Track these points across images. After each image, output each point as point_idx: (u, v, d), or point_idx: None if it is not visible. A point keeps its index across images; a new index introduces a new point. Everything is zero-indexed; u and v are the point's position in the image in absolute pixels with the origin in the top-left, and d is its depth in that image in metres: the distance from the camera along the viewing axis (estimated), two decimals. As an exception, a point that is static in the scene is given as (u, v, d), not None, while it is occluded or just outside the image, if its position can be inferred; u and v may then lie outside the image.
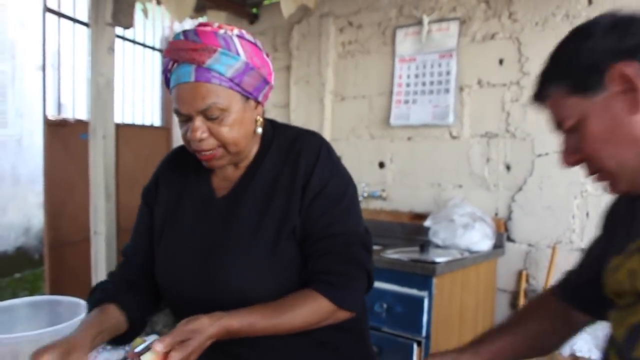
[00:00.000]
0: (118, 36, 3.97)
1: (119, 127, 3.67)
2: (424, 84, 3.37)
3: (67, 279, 3.91)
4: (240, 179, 1.34)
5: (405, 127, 3.48)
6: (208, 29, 1.20)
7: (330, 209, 1.27)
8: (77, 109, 4.21)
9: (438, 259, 2.57)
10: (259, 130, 1.31)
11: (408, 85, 3.44)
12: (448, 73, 3.28)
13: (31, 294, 5.60)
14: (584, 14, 2.83)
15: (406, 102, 3.44)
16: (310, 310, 1.20)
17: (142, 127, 4.87)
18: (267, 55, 1.30)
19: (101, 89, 3.18)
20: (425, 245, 2.82)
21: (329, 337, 1.32)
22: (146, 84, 4.89)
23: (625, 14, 0.95)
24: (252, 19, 4.35)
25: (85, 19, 3.98)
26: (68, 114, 4.23)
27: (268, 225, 1.27)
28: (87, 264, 3.59)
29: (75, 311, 1.58)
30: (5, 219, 6.26)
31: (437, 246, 2.91)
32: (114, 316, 1.28)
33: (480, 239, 2.87)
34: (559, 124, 1.01)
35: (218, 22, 4.03)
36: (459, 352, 1.20)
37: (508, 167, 3.11)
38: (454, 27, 3.28)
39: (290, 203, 1.27)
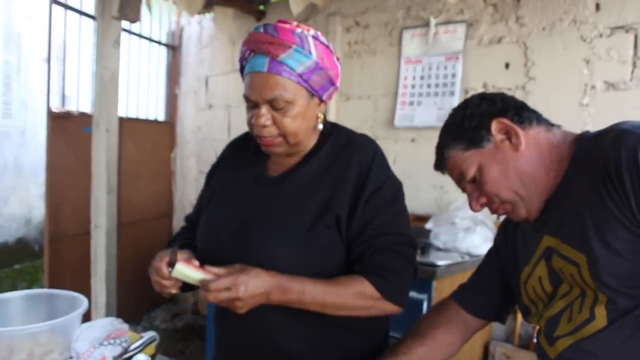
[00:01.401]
0: (124, 30, 3.97)
1: (123, 121, 3.66)
2: (429, 85, 3.37)
3: (66, 271, 3.91)
4: (294, 165, 1.42)
5: (410, 129, 3.48)
6: (287, 26, 1.29)
7: (386, 209, 1.33)
8: (81, 101, 4.20)
9: (438, 262, 2.57)
10: (320, 126, 1.40)
11: (413, 86, 3.43)
12: (454, 75, 3.27)
13: (30, 285, 5.61)
14: (591, 20, 2.82)
15: (411, 103, 3.44)
16: (357, 291, 1.27)
17: (146, 121, 4.87)
18: (338, 60, 1.38)
19: (106, 82, 3.17)
20: (426, 247, 2.82)
21: (353, 341, 1.40)
22: (151, 78, 4.88)
23: (488, 93, 1.28)
24: (259, 16, 4.36)
25: (91, 12, 3.98)
26: (72, 107, 4.22)
27: (309, 209, 1.33)
28: (87, 257, 3.58)
29: (72, 305, 1.58)
30: (7, 209, 6.26)
31: (438, 249, 2.90)
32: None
33: (481, 243, 2.86)
34: (460, 179, 1.24)
35: (224, 18, 4.04)
36: None
37: (511, 172, 3.10)
38: (460, 29, 3.27)
39: (335, 195, 1.33)
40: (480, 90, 3.18)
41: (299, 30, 1.29)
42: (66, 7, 3.84)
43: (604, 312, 1.09)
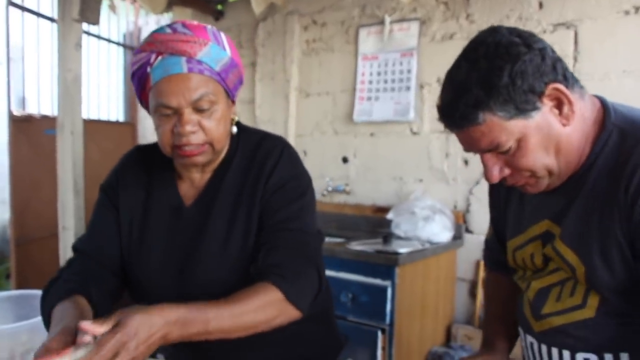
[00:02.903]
0: (83, 32, 3.97)
1: (85, 123, 3.67)
2: (385, 81, 3.48)
3: (33, 275, 3.90)
4: (207, 185, 1.32)
5: (368, 123, 3.59)
6: (195, 23, 1.21)
7: (288, 205, 1.27)
8: (41, 103, 4.18)
9: (400, 250, 2.69)
10: (234, 129, 1.32)
11: (370, 82, 3.55)
12: (409, 71, 3.40)
13: (-6, 291, 5.53)
14: (535, 17, 2.98)
15: (369, 99, 3.55)
16: (262, 302, 1.13)
17: (108, 122, 4.87)
18: None
19: (69, 84, 3.19)
20: (388, 237, 2.93)
21: (297, 329, 1.27)
22: (111, 79, 4.88)
23: (529, 35, 1.05)
24: (217, 15, 4.39)
25: (49, 14, 3.97)
26: (32, 109, 4.20)
27: (236, 236, 1.27)
28: (54, 260, 3.59)
29: None
30: (-34, 215, 6.15)
31: (400, 238, 3.02)
32: (86, 309, 1.16)
33: (440, 231, 3.00)
34: (487, 147, 1.05)
35: (183, 18, 4.08)
36: (487, 353, 1.41)
37: (466, 162, 3.25)
38: (414, 27, 3.40)
39: (252, 212, 1.27)
40: (435, 85, 3.32)
41: (209, 27, 1.22)
42: (23, 9, 3.83)
43: (595, 303, 1.08)
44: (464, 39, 3.23)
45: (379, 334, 2.65)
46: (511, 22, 3.06)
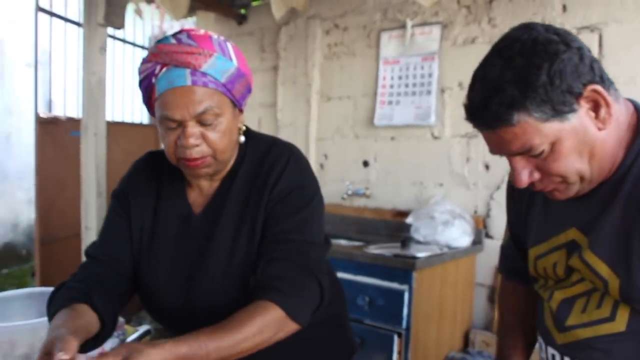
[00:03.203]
0: (108, 35, 4.04)
1: (109, 125, 3.74)
2: (406, 85, 3.48)
3: (56, 274, 3.96)
4: (215, 193, 1.32)
5: (389, 127, 3.58)
6: (202, 32, 1.19)
7: (290, 216, 1.25)
8: (67, 106, 4.27)
9: (418, 254, 2.68)
10: (242, 139, 1.30)
11: (392, 86, 3.54)
12: (430, 75, 3.39)
13: (18, 289, 5.63)
14: (559, 20, 2.95)
15: (390, 103, 3.55)
16: (263, 324, 1.11)
17: (131, 124, 4.94)
18: None
19: (93, 87, 3.25)
20: (406, 241, 2.93)
21: (310, 334, 1.25)
22: (135, 82, 4.94)
23: (565, 33, 0.99)
24: (240, 19, 4.43)
25: (76, 19, 4.05)
26: (58, 111, 4.28)
27: (241, 245, 1.26)
28: (77, 259, 3.65)
29: None
30: (-6, 215, 6.30)
31: (418, 242, 3.01)
32: (87, 316, 1.17)
33: (459, 236, 2.98)
34: (519, 150, 0.99)
35: (207, 22, 4.12)
36: None
37: (487, 167, 3.22)
38: (436, 31, 3.39)
39: (257, 220, 1.26)
40: (456, 89, 3.31)
41: (215, 36, 1.20)
42: (51, 14, 3.91)
43: (625, 316, 1.04)
44: (486, 43, 3.21)
45: (395, 338, 2.64)
46: (534, 26, 3.03)
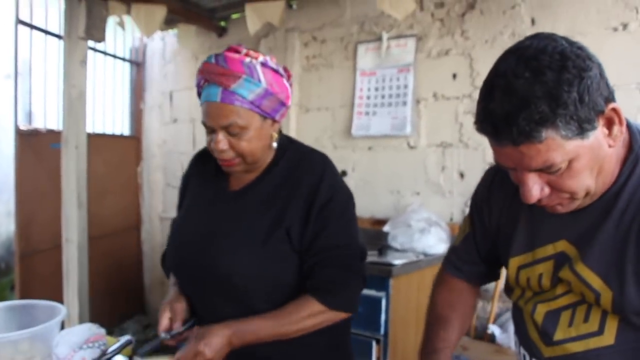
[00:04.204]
0: (89, 47, 4.06)
1: (90, 137, 3.74)
2: (383, 96, 3.55)
3: (37, 286, 3.96)
4: (251, 181, 1.51)
5: (366, 138, 3.66)
6: (236, 56, 1.37)
7: (334, 222, 1.42)
8: (47, 118, 4.27)
9: (395, 262, 2.74)
10: (274, 144, 1.49)
11: (368, 97, 3.62)
12: (406, 86, 3.46)
13: (-1, 302, 5.58)
14: (528, 33, 3.01)
15: (367, 113, 3.62)
16: (307, 314, 1.37)
17: (113, 136, 4.95)
18: (289, 78, 1.47)
19: (73, 100, 3.28)
20: (383, 248, 2.98)
21: (302, 341, 1.44)
22: (116, 94, 4.96)
23: (584, 50, 0.96)
24: (221, 32, 4.49)
25: (56, 31, 4.07)
26: (38, 123, 4.28)
27: (263, 224, 1.43)
28: (58, 272, 3.65)
29: (50, 314, 1.63)
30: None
31: (396, 250, 3.06)
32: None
33: (435, 243, 3.04)
34: (536, 167, 0.96)
35: (187, 35, 4.16)
36: None
37: (462, 175, 3.30)
38: (411, 43, 3.47)
39: (287, 210, 1.43)
40: (431, 99, 3.39)
41: (247, 60, 1.36)
42: (31, 26, 3.93)
43: (614, 330, 1.05)
44: (459, 55, 3.31)
45: (374, 344, 2.69)
46: (505, 38, 3.13)
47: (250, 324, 1.36)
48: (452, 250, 1.46)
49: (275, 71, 1.41)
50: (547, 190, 1.00)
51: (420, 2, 3.42)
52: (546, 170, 0.96)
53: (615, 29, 2.80)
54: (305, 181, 1.44)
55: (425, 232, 3.05)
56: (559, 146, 0.91)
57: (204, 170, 1.62)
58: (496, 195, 1.28)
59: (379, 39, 3.59)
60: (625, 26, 2.78)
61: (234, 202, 1.51)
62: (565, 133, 0.90)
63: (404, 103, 3.46)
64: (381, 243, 3.15)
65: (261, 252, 1.41)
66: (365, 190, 3.68)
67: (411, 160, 3.48)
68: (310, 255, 1.42)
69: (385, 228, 3.19)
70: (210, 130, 1.40)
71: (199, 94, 1.45)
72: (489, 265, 1.38)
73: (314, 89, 3.95)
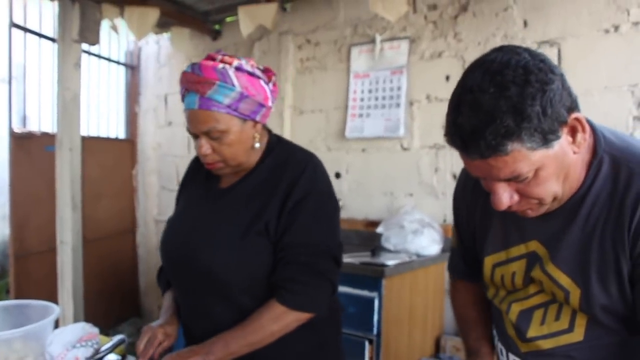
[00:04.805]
0: (83, 51, 4.07)
1: (85, 140, 3.75)
2: (376, 98, 3.57)
3: (31, 289, 3.96)
4: (238, 180, 1.55)
5: (360, 140, 3.67)
6: (210, 63, 1.40)
7: (304, 220, 1.44)
8: (42, 121, 4.27)
9: (387, 262, 2.75)
10: (257, 145, 1.51)
11: (362, 99, 3.63)
12: (399, 88, 3.48)
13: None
14: (520, 35, 3.07)
15: (360, 115, 3.64)
16: (269, 318, 1.41)
17: (108, 139, 4.95)
18: (270, 78, 1.50)
19: (68, 103, 3.29)
20: (376, 249, 2.99)
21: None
22: (111, 97, 4.97)
23: (543, 59, 0.99)
24: (215, 35, 4.50)
25: (50, 34, 4.08)
26: (33, 126, 4.29)
27: (244, 218, 1.47)
28: (52, 274, 3.66)
29: (44, 314, 1.64)
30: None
31: (389, 251, 3.07)
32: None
33: (428, 244, 3.05)
34: (505, 177, 1.00)
35: (181, 38, 4.17)
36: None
37: (455, 176, 3.31)
38: (404, 45, 3.49)
39: (267, 205, 1.46)
40: (424, 101, 3.41)
41: (220, 66, 1.40)
42: (25, 30, 3.94)
43: (583, 327, 1.12)
44: (452, 57, 3.33)
45: (367, 344, 2.70)
46: (497, 41, 3.15)
47: (218, 339, 1.40)
48: (452, 253, 1.52)
49: (251, 74, 1.43)
50: (516, 197, 1.04)
51: (413, 4, 3.44)
52: (514, 179, 1.00)
53: (607, 31, 2.83)
54: (286, 177, 1.48)
55: (419, 234, 3.06)
56: (525, 157, 0.96)
57: (199, 172, 1.67)
58: (470, 196, 1.33)
59: (372, 41, 3.61)
60: (616, 28, 2.81)
61: (220, 199, 1.55)
62: (530, 145, 0.94)
63: (397, 105, 3.48)
64: (374, 244, 3.16)
65: (239, 245, 1.44)
66: (359, 192, 3.70)
67: (404, 162, 3.50)
68: (278, 250, 1.45)
69: (379, 229, 3.20)
70: (195, 136, 1.45)
71: (183, 100, 1.49)
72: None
73: (308, 91, 3.96)
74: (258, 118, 1.47)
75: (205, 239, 1.49)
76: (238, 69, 1.42)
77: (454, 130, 0.99)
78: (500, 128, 0.92)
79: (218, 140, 1.42)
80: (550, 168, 1.00)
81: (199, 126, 1.41)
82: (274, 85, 1.52)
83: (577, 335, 1.12)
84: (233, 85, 1.39)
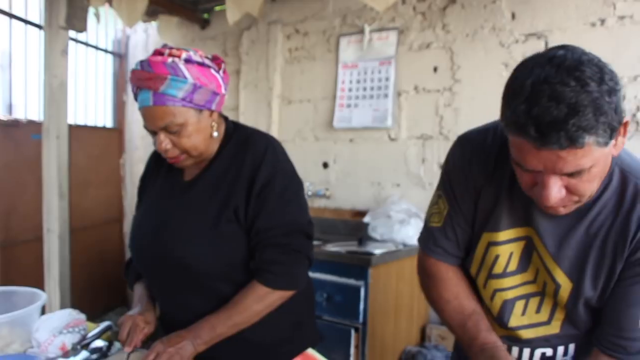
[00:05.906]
0: (71, 39, 4.03)
1: (72, 128, 3.73)
2: (364, 89, 3.58)
3: (18, 277, 3.93)
4: (202, 169, 1.56)
5: (348, 130, 3.69)
6: (159, 58, 1.40)
7: (273, 203, 1.46)
8: (28, 109, 4.24)
9: (374, 251, 2.77)
10: (215, 134, 1.52)
11: (350, 90, 3.64)
12: (387, 79, 3.50)
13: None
14: (508, 27, 3.09)
15: (348, 106, 3.65)
16: (253, 299, 1.45)
17: (95, 128, 4.93)
18: (219, 67, 1.51)
19: (54, 90, 3.26)
20: (363, 239, 3.01)
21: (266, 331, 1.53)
22: (99, 85, 4.94)
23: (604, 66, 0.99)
24: (203, 24, 4.48)
25: (36, 21, 4.04)
26: (19, 114, 4.25)
27: (212, 207, 1.48)
28: (39, 263, 3.63)
29: (31, 300, 1.64)
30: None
31: (376, 240, 3.10)
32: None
33: (415, 234, 3.06)
34: (567, 172, 1.00)
35: (169, 26, 4.15)
36: None
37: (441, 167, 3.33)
38: (393, 36, 3.50)
39: (233, 191, 1.48)
40: (412, 92, 3.42)
41: (169, 60, 1.40)
42: (11, 15, 3.90)
43: (560, 321, 1.23)
44: (440, 48, 3.34)
45: (352, 332, 2.72)
46: (485, 32, 3.17)
47: (205, 322, 1.43)
48: (434, 234, 1.37)
49: (201, 64, 1.44)
50: (563, 192, 1.04)
51: (402, -5, 3.45)
52: (574, 174, 1.00)
53: (593, 24, 2.85)
54: (248, 162, 1.49)
55: (405, 223, 3.09)
56: (592, 152, 0.96)
57: (159, 167, 1.68)
58: (476, 169, 1.27)
59: (361, 31, 3.62)
60: (602, 21, 2.84)
61: (187, 192, 1.56)
62: (601, 140, 0.95)
63: (385, 95, 3.49)
64: (361, 234, 3.18)
65: (211, 234, 1.46)
66: (347, 182, 3.71)
67: (392, 152, 3.52)
68: (252, 236, 1.48)
69: (366, 219, 3.23)
70: (153, 133, 1.45)
71: (136, 100, 1.48)
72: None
73: (296, 81, 3.96)
74: (213, 107, 1.48)
75: (177, 233, 1.49)
76: (187, 60, 1.43)
77: (527, 120, 0.97)
78: (582, 120, 0.93)
79: (177, 134, 1.43)
80: (600, 166, 1.02)
81: (156, 122, 1.41)
82: (225, 72, 1.53)
83: (554, 327, 1.23)
84: (185, 77, 1.40)
